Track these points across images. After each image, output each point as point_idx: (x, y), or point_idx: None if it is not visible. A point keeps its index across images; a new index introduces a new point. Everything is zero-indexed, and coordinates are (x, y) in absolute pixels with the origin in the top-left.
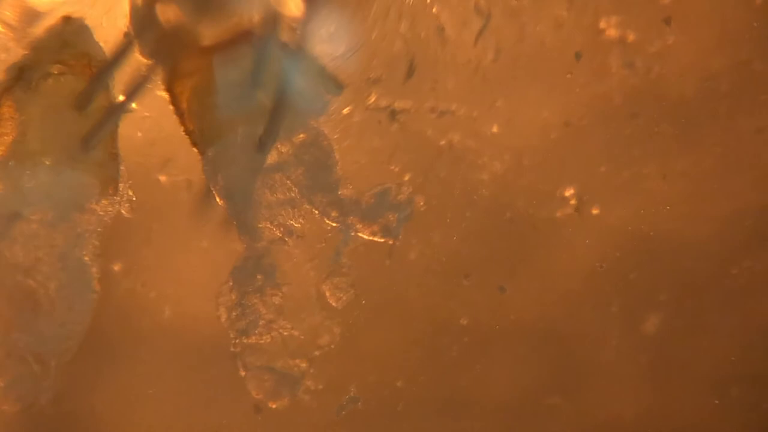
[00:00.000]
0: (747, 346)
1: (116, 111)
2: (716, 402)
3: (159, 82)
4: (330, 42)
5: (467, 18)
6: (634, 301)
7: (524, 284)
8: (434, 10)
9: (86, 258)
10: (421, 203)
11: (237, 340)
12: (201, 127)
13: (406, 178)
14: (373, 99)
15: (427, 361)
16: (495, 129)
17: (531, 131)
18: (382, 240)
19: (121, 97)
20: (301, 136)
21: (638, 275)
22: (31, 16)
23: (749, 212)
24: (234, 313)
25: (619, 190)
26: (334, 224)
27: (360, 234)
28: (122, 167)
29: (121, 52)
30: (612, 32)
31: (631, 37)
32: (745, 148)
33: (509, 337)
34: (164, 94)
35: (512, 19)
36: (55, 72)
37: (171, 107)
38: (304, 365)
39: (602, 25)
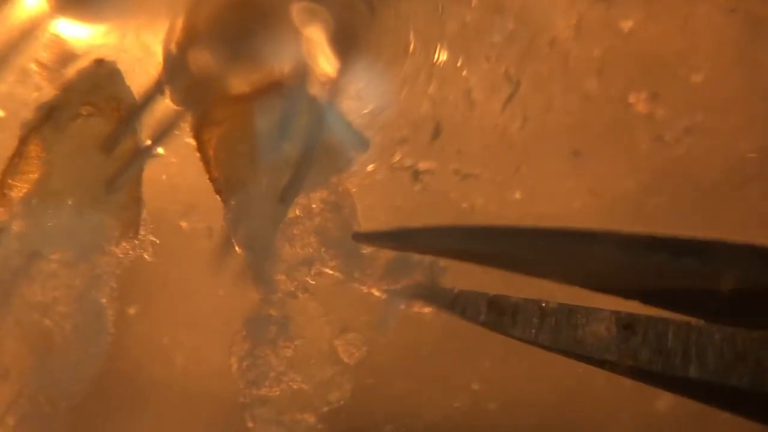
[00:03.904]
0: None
1: (142, 155)
2: None
3: (187, 129)
4: (358, 99)
5: (496, 84)
6: None
7: (536, 354)
8: (464, 74)
9: (103, 300)
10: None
11: (247, 391)
12: (226, 175)
13: None
14: (397, 158)
15: (438, 423)
16: (518, 195)
17: (554, 199)
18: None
19: (148, 142)
20: (324, 190)
21: None
22: (66, 57)
23: None
24: (245, 363)
25: None
26: (351, 281)
27: (375, 294)
28: (144, 211)
29: (151, 97)
30: (641, 107)
31: (659, 113)
32: None
33: (520, 406)
34: (191, 141)
35: (541, 88)
36: (85, 113)
37: (197, 154)
38: (312, 420)
39: (631, 99)
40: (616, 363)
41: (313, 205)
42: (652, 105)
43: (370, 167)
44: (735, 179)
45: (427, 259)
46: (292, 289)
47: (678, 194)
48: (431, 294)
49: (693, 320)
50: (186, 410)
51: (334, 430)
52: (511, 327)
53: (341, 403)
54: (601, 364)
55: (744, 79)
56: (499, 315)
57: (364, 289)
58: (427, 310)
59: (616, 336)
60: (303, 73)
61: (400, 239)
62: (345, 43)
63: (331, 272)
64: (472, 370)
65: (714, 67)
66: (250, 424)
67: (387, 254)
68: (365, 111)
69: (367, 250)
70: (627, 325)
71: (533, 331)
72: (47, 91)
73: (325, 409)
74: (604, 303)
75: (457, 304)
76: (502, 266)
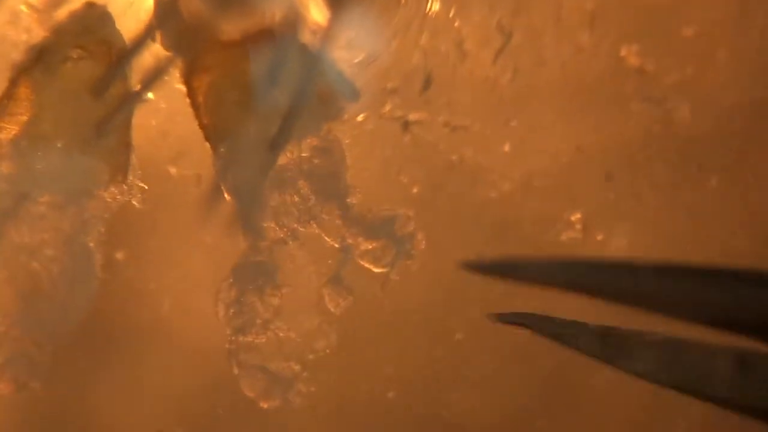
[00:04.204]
0: None
1: (132, 99)
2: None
3: (177, 75)
4: (349, 48)
5: (488, 35)
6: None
7: (522, 308)
8: (456, 24)
9: (91, 244)
10: (421, 237)
11: (233, 338)
12: (215, 122)
13: (415, 190)
14: (387, 108)
15: (420, 375)
16: (507, 148)
17: (542, 153)
18: (380, 267)
19: (138, 86)
20: (314, 139)
21: None
22: None
23: (754, 249)
24: (232, 310)
25: (624, 218)
26: (337, 231)
27: (361, 247)
28: (133, 156)
29: (141, 42)
30: (632, 60)
31: (650, 66)
32: (758, 187)
33: (503, 355)
34: (181, 87)
35: (533, 40)
36: (75, 56)
37: (187, 100)
38: (297, 368)
39: (623, 53)
40: (736, 402)
41: (303, 153)
42: (643, 58)
43: (360, 117)
44: (724, 133)
45: (405, 229)
46: (281, 237)
47: (667, 149)
48: (539, 323)
49: None
50: (172, 356)
51: (320, 379)
52: (622, 360)
53: (327, 352)
54: (719, 402)
55: (735, 33)
56: (609, 347)
57: (350, 241)
58: (414, 263)
59: (735, 373)
60: (294, 21)
61: (508, 270)
62: None
63: (318, 221)
64: (457, 322)
65: (706, 19)
66: (235, 371)
67: (375, 214)
68: (356, 60)
69: (355, 200)
70: (745, 361)
71: (644, 364)
72: (37, 34)
73: (311, 357)
74: (719, 339)
75: (565, 334)
76: (612, 300)
